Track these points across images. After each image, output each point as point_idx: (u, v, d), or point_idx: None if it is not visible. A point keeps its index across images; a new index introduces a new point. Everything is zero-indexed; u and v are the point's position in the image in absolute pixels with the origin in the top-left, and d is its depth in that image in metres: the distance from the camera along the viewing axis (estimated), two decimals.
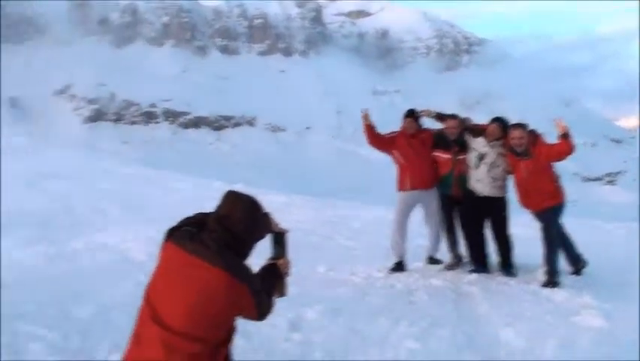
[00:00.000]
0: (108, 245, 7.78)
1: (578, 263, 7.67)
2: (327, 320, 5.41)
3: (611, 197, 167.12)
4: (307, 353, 4.66)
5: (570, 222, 7.56)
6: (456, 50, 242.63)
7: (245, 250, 2.99)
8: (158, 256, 3.03)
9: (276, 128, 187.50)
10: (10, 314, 4.93)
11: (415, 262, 7.94)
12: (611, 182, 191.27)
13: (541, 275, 7.23)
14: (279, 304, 5.43)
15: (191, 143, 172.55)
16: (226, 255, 2.86)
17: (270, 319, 4.89)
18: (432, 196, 7.74)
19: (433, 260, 8.03)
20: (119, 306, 5.35)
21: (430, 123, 7.90)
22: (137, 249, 7.65)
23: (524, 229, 8.12)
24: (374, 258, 8.25)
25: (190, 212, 7.67)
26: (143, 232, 8.43)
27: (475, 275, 7.37)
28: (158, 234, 8.14)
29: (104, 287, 5.90)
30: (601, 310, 6.05)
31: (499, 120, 7.34)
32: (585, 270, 7.67)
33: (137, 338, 2.87)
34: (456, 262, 7.86)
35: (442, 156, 7.55)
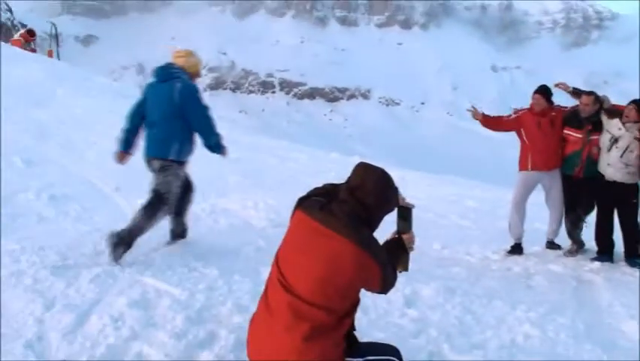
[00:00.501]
0: (229, 210, 8.06)
1: None
2: (442, 298, 5.38)
3: None
4: (422, 329, 4.67)
5: None
6: (585, 25, 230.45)
7: (374, 222, 3.03)
8: (289, 223, 3.12)
9: (390, 102, 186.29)
10: (140, 272, 5.24)
11: (533, 246, 7.72)
12: None
13: None
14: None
15: (305, 114, 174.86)
16: (356, 226, 2.90)
17: (388, 293, 4.98)
18: (555, 178, 7.47)
19: (552, 245, 7.78)
20: (240, 270, 5.57)
21: (564, 100, 7.57)
22: (257, 216, 7.89)
23: None
24: (489, 239, 8.10)
25: (307, 182, 7.80)
26: (262, 200, 8.67)
27: (597, 263, 7.09)
28: (277, 202, 8.43)
29: (227, 251, 6.14)
30: None
31: (638, 102, 6.93)
32: None
33: (267, 301, 2.99)
34: (576, 248, 7.59)
35: (573, 134, 7.24)
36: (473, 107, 7.68)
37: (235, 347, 3.97)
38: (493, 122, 7.70)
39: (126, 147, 6.16)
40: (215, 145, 6.15)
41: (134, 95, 7.15)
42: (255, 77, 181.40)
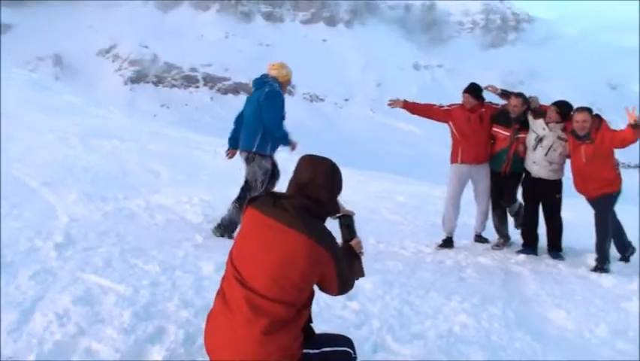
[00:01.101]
0: (164, 206, 7.99)
1: (626, 250, 7.68)
2: (381, 290, 5.54)
3: None
4: (364, 321, 4.80)
5: (621, 210, 7.53)
6: (503, 26, 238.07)
7: (326, 214, 3.12)
8: (242, 222, 3.17)
9: (314, 98, 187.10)
10: (80, 268, 5.16)
11: (462, 239, 8.03)
12: None
13: (590, 260, 7.27)
14: None
15: (229, 109, 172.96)
16: (306, 218, 2.98)
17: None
18: (483, 172, 7.81)
19: (480, 238, 8.11)
20: (181, 266, 5.56)
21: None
22: (193, 211, 7.87)
23: (574, 213, 8.15)
24: (420, 233, 8.37)
25: (240, 177, 7.83)
26: (196, 195, 8.65)
27: (523, 256, 7.45)
28: (212, 198, 8.40)
29: (166, 247, 6.10)
30: None
31: (560, 104, 7.31)
32: (634, 257, 7.69)
33: (224, 299, 3.03)
34: (503, 242, 7.93)
35: (502, 132, 7.58)
36: (390, 99, 7.97)
37: (185, 342, 3.98)
38: (423, 109, 7.98)
39: (230, 144, 7.40)
40: (279, 139, 7.03)
41: (52, 87, 7.01)
42: (178, 71, 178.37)
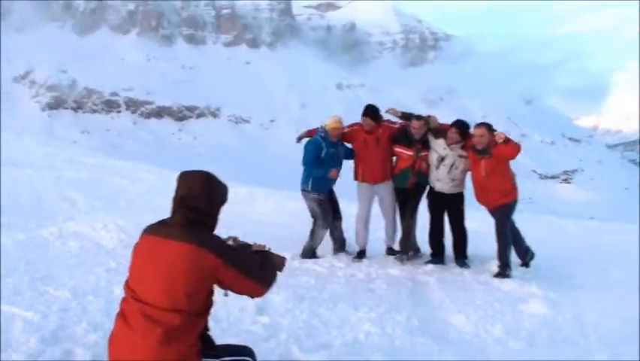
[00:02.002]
0: (79, 233, 7.99)
1: (526, 256, 8.16)
2: (291, 304, 5.74)
3: (567, 195, 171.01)
4: (273, 334, 4.98)
5: (526, 218, 8.02)
6: (422, 45, 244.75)
7: (211, 221, 3.33)
8: (133, 248, 3.32)
9: (239, 120, 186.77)
10: None
11: (375, 253, 8.35)
12: (566, 180, 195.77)
13: (493, 267, 7.69)
14: None
15: (153, 133, 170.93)
16: (186, 227, 3.19)
17: (239, 303, 5.25)
18: (385, 189, 8.18)
19: (391, 250, 8.44)
20: (93, 291, 5.63)
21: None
22: (108, 237, 7.89)
23: (478, 224, 8.60)
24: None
25: (157, 201, 7.90)
26: (112, 221, 8.65)
27: (431, 266, 7.81)
28: (127, 223, 8.45)
29: (78, 273, 6.14)
30: (546, 299, 6.52)
31: (459, 124, 7.72)
32: (533, 262, 8.18)
33: (124, 317, 3.18)
34: (410, 255, 8.26)
35: (404, 152, 7.93)
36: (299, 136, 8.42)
37: None
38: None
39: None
40: (315, 175, 8.02)
41: None
42: (98, 95, 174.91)
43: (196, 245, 3.13)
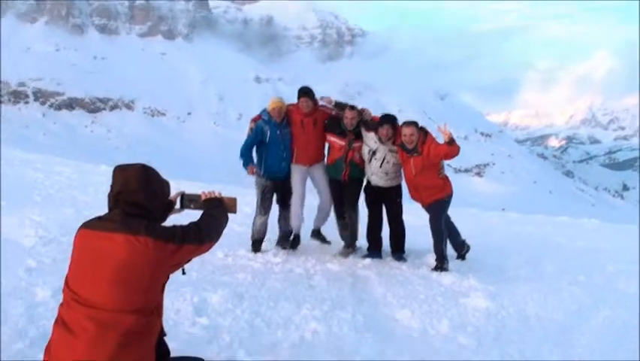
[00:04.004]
0: None
1: (462, 248, 8.15)
2: (231, 304, 5.43)
3: (479, 187, 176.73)
4: (215, 336, 4.67)
5: (449, 211, 7.94)
6: (339, 40, 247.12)
7: (155, 215, 3.04)
8: (73, 243, 2.97)
9: (155, 113, 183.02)
10: None
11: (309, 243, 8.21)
12: (479, 173, 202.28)
13: (430, 260, 7.62)
14: (183, 288, 5.42)
15: (64, 125, 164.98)
16: (131, 221, 2.88)
17: (175, 304, 4.93)
18: (318, 171, 8.00)
19: (317, 234, 8.31)
20: (12, 293, 5.13)
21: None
22: (25, 234, 7.28)
23: (412, 217, 8.50)
24: (270, 241, 8.29)
25: (76, 195, 7.39)
26: (27, 217, 8.05)
27: (368, 260, 7.65)
28: (45, 218, 7.88)
29: None
30: (486, 292, 6.47)
31: (389, 120, 7.55)
32: (468, 255, 8.17)
33: (65, 325, 2.80)
34: (349, 250, 8.10)
35: (337, 141, 7.74)
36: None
37: None
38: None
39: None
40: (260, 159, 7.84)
41: None
42: (4, 85, 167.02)
43: (145, 236, 2.82)
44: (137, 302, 2.79)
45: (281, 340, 4.78)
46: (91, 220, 2.97)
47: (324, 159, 8.01)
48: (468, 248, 8.24)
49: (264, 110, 7.79)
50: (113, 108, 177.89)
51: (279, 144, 7.70)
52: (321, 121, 7.80)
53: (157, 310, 2.94)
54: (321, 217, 8.22)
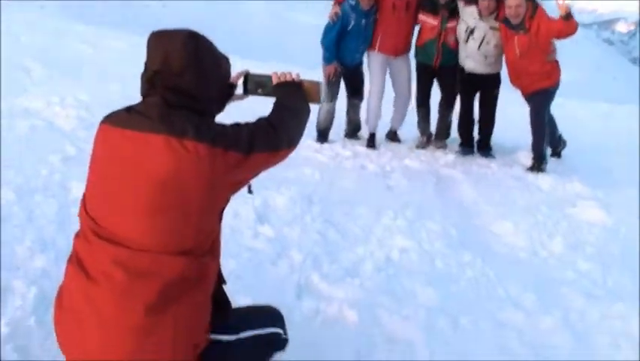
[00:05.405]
0: (29, 110, 6.47)
1: (558, 145, 7.07)
2: (299, 209, 4.56)
3: None
4: (281, 253, 3.81)
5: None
6: None
7: (206, 102, 1.99)
8: (92, 147, 2.00)
9: None
10: None
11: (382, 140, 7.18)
12: None
13: (523, 158, 6.62)
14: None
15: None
16: (174, 116, 1.86)
17: (231, 205, 4.05)
18: (403, 64, 6.86)
19: (393, 136, 7.28)
20: (44, 188, 4.33)
21: None
22: (65, 114, 6.42)
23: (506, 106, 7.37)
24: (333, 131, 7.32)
25: (128, 72, 6.43)
26: (71, 94, 7.21)
27: (451, 156, 6.70)
28: (91, 97, 6.98)
29: (25, 164, 4.76)
30: (597, 201, 5.48)
31: None
32: (564, 151, 7.11)
33: (82, 266, 1.87)
34: (426, 140, 7.12)
35: (429, 21, 6.51)
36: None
37: (37, 305, 2.85)
38: None
39: None
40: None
41: None
42: None
43: (196, 139, 1.80)
44: (185, 239, 1.84)
45: (362, 259, 3.89)
46: (117, 112, 1.95)
47: (410, 50, 6.84)
48: (564, 144, 7.13)
49: None
50: None
51: (359, 36, 6.53)
52: (414, 4, 6.54)
53: (213, 249, 2.00)
54: (398, 118, 7.15)
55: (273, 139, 2.02)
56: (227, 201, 2.02)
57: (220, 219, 2.04)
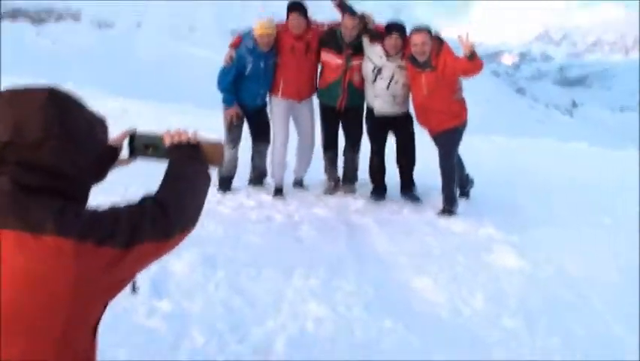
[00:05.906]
0: None
1: (466, 184, 6.93)
2: (200, 275, 4.10)
3: None
4: (181, 333, 3.33)
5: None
6: None
7: (77, 186, 1.55)
8: None
9: (102, 24, 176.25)
10: None
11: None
12: None
13: (433, 200, 6.43)
14: None
15: (7, 36, 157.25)
16: (31, 202, 1.40)
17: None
18: (305, 109, 6.53)
19: (299, 184, 6.94)
20: None
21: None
22: None
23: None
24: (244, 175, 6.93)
25: None
26: None
27: (361, 202, 6.40)
28: None
29: None
30: (511, 246, 5.30)
31: (398, 28, 6.07)
32: (472, 193, 6.99)
33: None
34: (334, 186, 6.82)
35: (333, 59, 6.24)
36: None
37: None
38: None
39: None
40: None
41: None
42: None
43: (58, 234, 1.35)
44: (45, 357, 1.39)
45: (274, 333, 3.46)
46: None
47: (313, 94, 6.55)
48: (472, 183, 6.99)
49: (247, 34, 6.17)
50: (58, 19, 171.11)
51: (259, 79, 6.23)
52: (314, 44, 6.25)
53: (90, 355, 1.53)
54: (303, 166, 6.84)
55: (162, 225, 1.57)
56: (104, 306, 1.56)
57: (96, 328, 1.58)
